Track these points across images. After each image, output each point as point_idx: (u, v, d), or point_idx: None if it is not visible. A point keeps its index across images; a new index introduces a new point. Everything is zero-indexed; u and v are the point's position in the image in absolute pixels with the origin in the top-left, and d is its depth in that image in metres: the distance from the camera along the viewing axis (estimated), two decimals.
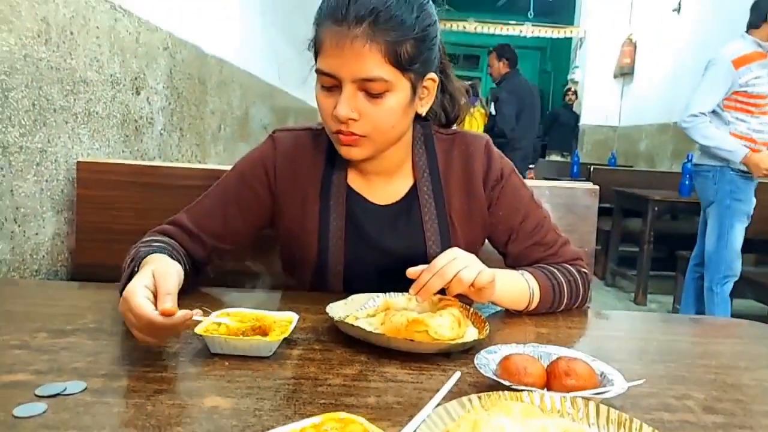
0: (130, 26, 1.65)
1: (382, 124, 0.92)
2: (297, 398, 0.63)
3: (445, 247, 0.98)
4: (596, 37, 7.80)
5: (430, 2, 0.96)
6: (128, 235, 1.05)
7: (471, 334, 0.82)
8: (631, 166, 6.25)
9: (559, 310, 1.03)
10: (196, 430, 0.55)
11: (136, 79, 1.70)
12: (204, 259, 1.05)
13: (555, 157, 7.41)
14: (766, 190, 3.10)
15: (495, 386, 0.64)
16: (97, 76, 1.49)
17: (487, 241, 1.12)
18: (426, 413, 0.56)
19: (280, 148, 1.07)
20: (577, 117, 7.79)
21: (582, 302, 1.06)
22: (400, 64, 0.89)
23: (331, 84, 0.91)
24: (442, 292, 0.85)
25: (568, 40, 8.80)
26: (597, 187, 1.44)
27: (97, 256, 1.40)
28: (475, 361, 0.69)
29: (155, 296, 0.73)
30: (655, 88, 6.39)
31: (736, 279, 3.00)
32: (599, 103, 7.64)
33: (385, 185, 1.07)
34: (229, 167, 1.12)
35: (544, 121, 8.19)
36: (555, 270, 1.03)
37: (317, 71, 0.92)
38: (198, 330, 0.74)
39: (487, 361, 0.70)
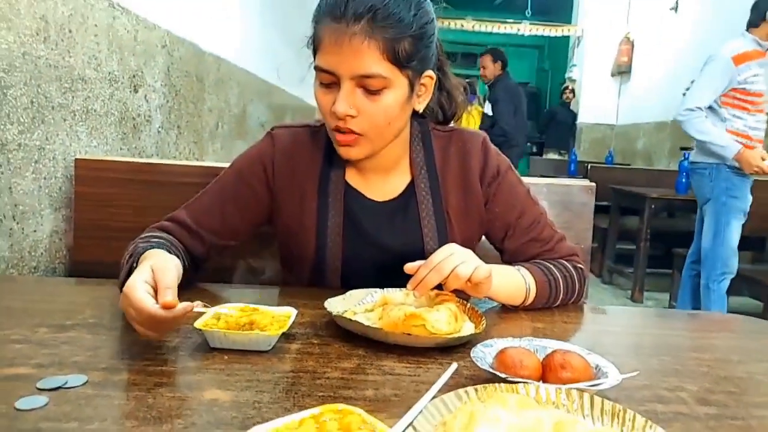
0: (128, 24, 1.65)
1: (380, 121, 0.93)
2: (296, 391, 0.64)
3: (442, 243, 0.99)
4: (594, 36, 7.81)
5: (428, 1, 0.97)
6: (126, 232, 1.05)
7: (468, 328, 0.83)
8: (629, 165, 6.27)
9: (555, 305, 1.04)
10: (196, 422, 0.56)
11: (134, 76, 1.71)
12: (203, 256, 1.06)
13: (552, 156, 7.42)
14: (762, 187, 3.12)
15: (491, 379, 0.65)
16: (95, 74, 1.49)
17: (484, 237, 1.13)
18: (423, 404, 0.57)
19: (278, 145, 1.07)
20: (574, 115, 7.81)
21: (578, 297, 1.07)
22: (398, 61, 0.90)
23: (329, 81, 0.92)
24: (440, 287, 0.86)
25: (565, 39, 8.81)
26: (593, 184, 1.45)
27: (95, 253, 1.40)
28: (472, 355, 0.70)
29: (155, 291, 0.73)
30: (652, 87, 6.41)
31: (733, 276, 3.02)
32: (597, 102, 7.65)
33: (383, 182, 1.08)
34: (226, 165, 1.12)
35: (542, 120, 8.22)
36: (551, 265, 1.04)
37: (316, 68, 0.93)
38: (197, 324, 0.75)
39: (484, 355, 0.71)
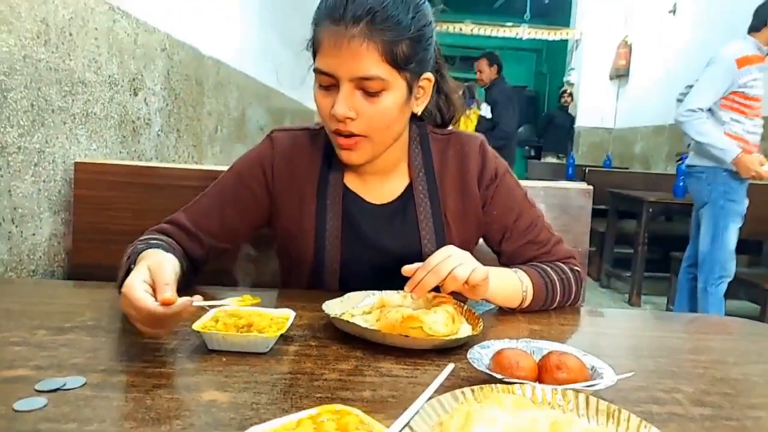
0: (129, 27, 1.66)
1: (379, 123, 0.94)
2: (294, 392, 0.65)
3: (440, 245, 0.99)
4: (592, 39, 7.84)
5: (426, 3, 0.98)
6: (125, 235, 1.05)
7: (465, 330, 0.84)
8: (626, 168, 6.27)
9: (552, 307, 1.04)
10: (194, 423, 0.56)
11: (133, 80, 1.71)
12: (202, 258, 1.06)
13: (550, 159, 7.43)
14: (759, 191, 3.13)
15: (488, 380, 0.65)
16: (95, 77, 1.50)
17: (481, 240, 1.14)
18: (420, 405, 0.57)
19: (277, 148, 1.08)
20: (572, 119, 7.82)
21: (574, 300, 1.08)
22: (396, 63, 0.91)
23: (329, 83, 0.93)
24: (437, 289, 0.87)
25: (564, 42, 8.84)
26: (591, 187, 1.45)
27: (93, 256, 1.40)
28: (469, 356, 0.70)
29: (153, 290, 0.74)
30: (650, 90, 6.43)
31: (730, 279, 3.02)
32: (595, 105, 7.67)
33: (381, 185, 1.09)
34: (225, 168, 1.13)
35: (540, 123, 8.23)
36: (548, 268, 1.04)
37: (315, 71, 0.94)
38: (195, 326, 0.75)
39: (480, 356, 0.71)
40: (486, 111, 5.09)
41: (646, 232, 4.01)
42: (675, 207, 4.04)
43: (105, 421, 0.56)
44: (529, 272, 1.02)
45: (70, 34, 1.38)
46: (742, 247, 3.09)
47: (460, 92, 1.18)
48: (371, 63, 0.89)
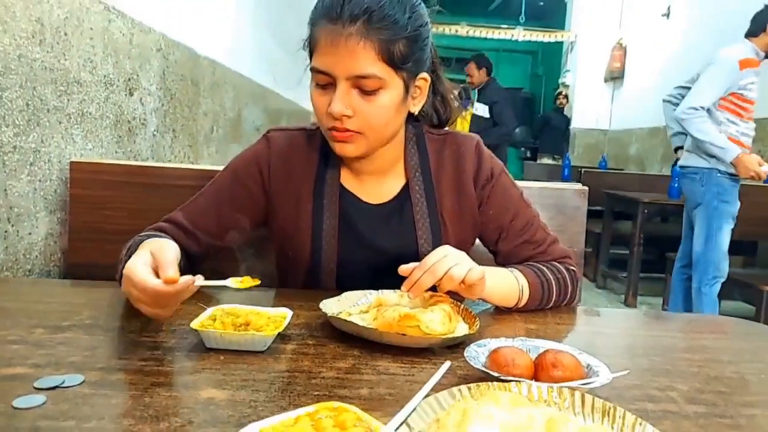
0: (124, 27, 1.66)
1: (376, 121, 0.94)
2: (291, 390, 0.65)
3: (436, 245, 0.99)
4: (587, 42, 7.87)
5: (422, 4, 0.98)
6: (121, 235, 1.05)
7: (461, 329, 0.84)
8: (622, 170, 6.30)
9: (548, 307, 1.05)
10: (193, 420, 0.57)
11: (129, 80, 1.71)
12: (199, 256, 1.06)
13: (546, 161, 7.45)
14: (753, 192, 3.15)
15: (484, 377, 0.66)
16: (90, 77, 1.49)
17: (478, 240, 1.14)
18: (417, 402, 0.58)
19: (274, 147, 1.08)
20: (568, 120, 7.85)
21: (570, 299, 1.08)
22: (393, 62, 0.91)
23: (325, 82, 0.93)
24: (434, 289, 0.87)
25: (559, 44, 8.87)
26: (586, 187, 1.46)
27: (89, 256, 1.40)
28: (465, 354, 0.71)
29: (156, 273, 0.74)
30: (644, 92, 6.45)
31: (724, 280, 3.04)
32: (590, 107, 7.70)
33: (378, 184, 1.09)
34: (221, 168, 1.13)
35: (536, 125, 8.26)
36: (544, 268, 1.05)
37: (312, 69, 0.94)
38: (193, 325, 0.75)
39: (477, 354, 0.72)
40: (483, 111, 5.11)
41: (641, 232, 4.03)
42: (670, 208, 4.05)
43: (104, 418, 0.56)
44: (525, 272, 1.02)
45: (66, 34, 1.37)
46: (736, 248, 3.11)
47: (456, 93, 1.18)
48: (368, 61, 0.90)
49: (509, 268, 1.03)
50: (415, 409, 0.56)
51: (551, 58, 10.18)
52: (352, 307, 0.92)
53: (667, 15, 6.00)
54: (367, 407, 0.60)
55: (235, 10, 2.92)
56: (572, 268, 1.09)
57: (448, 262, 0.85)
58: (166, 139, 2.02)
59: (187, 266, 1.02)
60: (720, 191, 2.96)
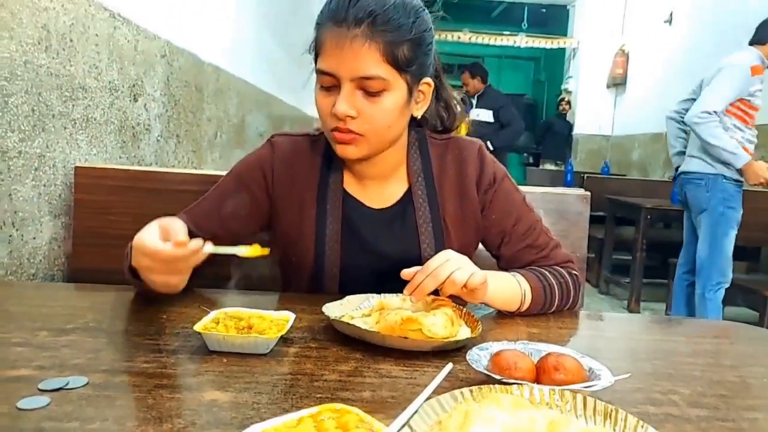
0: (129, 34, 1.67)
1: (379, 123, 0.95)
2: (294, 392, 0.65)
3: (439, 250, 1.00)
4: (589, 48, 7.88)
5: (426, 11, 1.00)
6: (124, 240, 1.05)
7: (464, 332, 0.84)
8: (624, 175, 6.30)
9: (551, 311, 1.05)
10: (196, 422, 0.57)
11: (133, 86, 1.72)
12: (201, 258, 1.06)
13: (549, 166, 7.45)
14: (757, 198, 3.15)
15: (486, 381, 0.66)
16: (95, 83, 1.51)
17: (481, 245, 1.14)
18: (419, 404, 0.58)
19: (278, 152, 1.09)
20: (570, 126, 7.86)
21: (573, 304, 1.09)
22: (397, 64, 0.92)
23: (330, 83, 0.94)
24: (436, 293, 0.87)
25: (561, 51, 8.89)
26: (588, 193, 1.46)
27: (93, 260, 1.41)
28: (467, 357, 0.71)
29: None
30: (647, 99, 6.46)
31: (728, 285, 3.03)
32: (592, 113, 7.71)
33: (381, 189, 1.09)
34: (225, 173, 1.13)
35: (538, 131, 8.27)
36: (546, 272, 1.05)
37: (317, 71, 0.95)
38: (196, 328, 0.76)
39: (479, 357, 0.72)
40: (486, 116, 5.14)
41: (644, 238, 4.02)
42: (673, 214, 4.05)
43: (107, 419, 0.56)
44: (528, 276, 1.02)
45: (71, 41, 1.39)
46: (740, 254, 3.10)
47: (459, 99, 1.19)
48: (372, 63, 0.91)
49: (512, 273, 1.03)
50: (417, 411, 0.57)
51: (554, 64, 10.19)
52: (355, 310, 0.92)
53: (670, 21, 6.01)
54: (369, 410, 0.60)
55: (239, 17, 2.94)
56: (574, 272, 1.09)
57: (450, 266, 0.85)
58: (170, 145, 2.03)
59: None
60: (726, 197, 2.96)
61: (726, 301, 3.07)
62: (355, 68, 0.91)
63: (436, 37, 1.03)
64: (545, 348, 0.75)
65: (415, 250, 1.06)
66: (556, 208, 1.44)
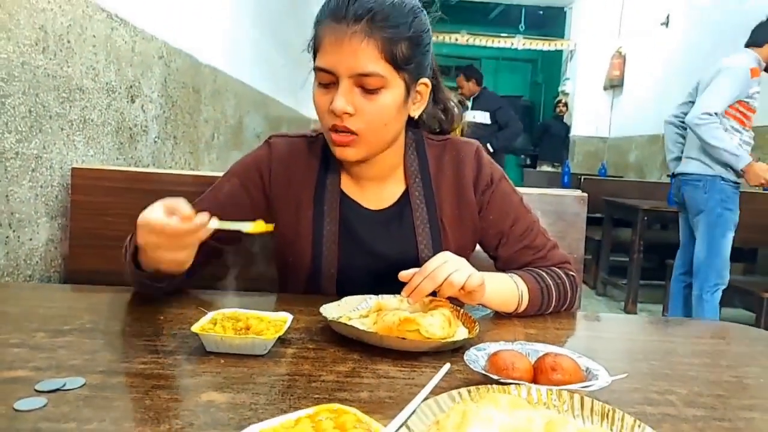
0: (126, 35, 1.67)
1: (377, 121, 0.95)
2: (292, 393, 0.65)
3: (436, 251, 1.00)
4: (586, 50, 7.90)
5: (424, 12, 1.00)
6: (121, 241, 1.06)
7: (461, 333, 0.84)
8: (621, 177, 6.31)
9: (548, 312, 1.05)
10: (193, 422, 0.57)
11: (131, 87, 1.72)
12: (199, 260, 1.06)
13: (546, 168, 7.46)
14: (755, 199, 3.15)
15: (484, 381, 0.66)
16: (92, 84, 1.51)
17: (478, 246, 1.15)
18: (416, 404, 0.58)
19: (275, 153, 1.09)
20: (567, 128, 7.87)
21: (570, 305, 1.09)
22: (395, 62, 0.93)
23: (328, 81, 0.94)
24: (434, 294, 0.87)
25: (558, 53, 8.90)
26: (585, 194, 1.47)
27: (90, 262, 1.41)
28: (465, 358, 0.71)
29: None
30: (644, 100, 6.47)
31: (725, 287, 3.04)
32: (589, 115, 7.72)
33: (378, 190, 1.09)
34: (222, 174, 1.13)
35: (535, 133, 8.28)
36: (544, 273, 1.05)
37: (316, 69, 0.96)
38: (194, 329, 0.76)
39: (477, 357, 0.72)
40: (483, 118, 5.15)
41: (641, 240, 4.03)
42: (670, 215, 4.05)
43: (104, 420, 0.56)
44: (525, 277, 1.02)
45: (69, 42, 1.39)
46: (737, 255, 3.11)
47: (456, 101, 1.19)
48: (370, 60, 0.91)
49: (509, 274, 1.03)
50: (414, 411, 0.57)
51: (551, 66, 10.20)
52: (352, 311, 0.92)
53: (666, 23, 6.02)
54: (367, 410, 0.60)
55: (236, 19, 2.94)
56: (572, 273, 1.10)
57: (448, 268, 0.85)
58: (167, 146, 2.03)
59: (188, 272, 1.02)
60: (723, 198, 2.96)
61: (723, 303, 3.07)
62: (354, 65, 0.91)
63: (434, 38, 1.04)
64: (542, 348, 0.75)
65: (413, 251, 1.06)
66: (553, 209, 1.44)
